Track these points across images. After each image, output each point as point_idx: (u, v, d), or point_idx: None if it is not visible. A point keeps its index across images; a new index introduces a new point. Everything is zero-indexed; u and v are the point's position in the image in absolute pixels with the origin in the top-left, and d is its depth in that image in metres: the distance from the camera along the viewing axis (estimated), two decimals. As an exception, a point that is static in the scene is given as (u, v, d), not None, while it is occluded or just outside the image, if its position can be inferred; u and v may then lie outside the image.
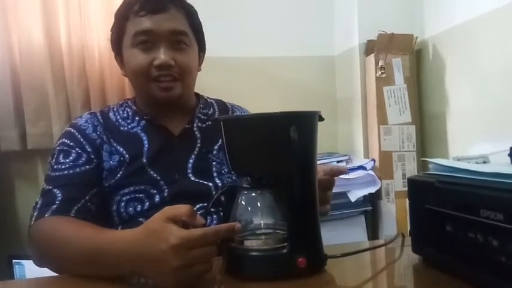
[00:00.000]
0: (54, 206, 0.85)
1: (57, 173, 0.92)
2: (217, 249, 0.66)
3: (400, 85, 2.01)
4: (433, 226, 0.69)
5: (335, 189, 0.94)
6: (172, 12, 0.98)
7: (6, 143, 1.84)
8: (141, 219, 0.91)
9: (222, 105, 1.16)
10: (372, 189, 1.94)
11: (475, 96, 1.76)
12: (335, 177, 0.91)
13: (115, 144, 0.99)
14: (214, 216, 0.94)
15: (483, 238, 0.59)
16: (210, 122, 1.07)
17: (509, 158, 0.73)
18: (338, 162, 2.04)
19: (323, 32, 2.32)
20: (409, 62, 2.02)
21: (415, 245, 0.75)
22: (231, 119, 0.88)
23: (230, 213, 0.74)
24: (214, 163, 1.02)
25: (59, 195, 0.87)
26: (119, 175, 0.95)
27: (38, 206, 0.87)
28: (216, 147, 1.03)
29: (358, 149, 2.15)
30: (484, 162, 0.84)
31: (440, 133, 1.98)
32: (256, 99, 1.75)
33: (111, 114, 1.05)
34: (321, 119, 0.73)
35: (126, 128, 1.02)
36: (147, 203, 0.94)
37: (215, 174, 1.01)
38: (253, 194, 0.74)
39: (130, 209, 0.94)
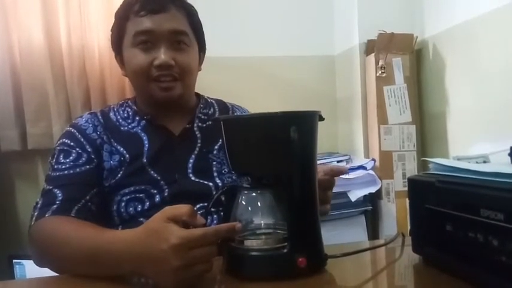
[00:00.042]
0: (55, 206, 0.85)
1: (57, 173, 0.92)
2: (218, 249, 0.66)
3: (400, 85, 2.01)
4: (433, 226, 0.69)
5: (335, 189, 0.94)
6: (173, 12, 0.98)
7: (7, 143, 1.84)
8: (141, 219, 0.91)
9: (222, 105, 1.16)
10: (372, 189, 1.94)
11: (475, 96, 1.76)
12: (335, 177, 0.91)
13: (115, 144, 0.99)
14: (215, 216, 0.94)
15: (483, 238, 0.59)
16: (210, 122, 1.07)
17: (509, 158, 0.73)
18: (338, 162, 2.04)
19: (323, 31, 2.32)
20: (409, 62, 2.02)
21: (415, 245, 0.75)
22: (231, 118, 0.88)
23: (230, 213, 0.74)
24: (214, 163, 1.02)
25: (60, 195, 0.88)
26: (119, 175, 0.95)
27: (39, 206, 0.88)
28: (216, 147, 1.03)
29: (358, 148, 2.15)
30: (484, 161, 0.84)
31: (440, 133, 1.98)
32: (256, 99, 1.75)
33: (111, 114, 1.05)
34: (321, 118, 0.73)
35: (126, 128, 1.02)
36: (148, 203, 0.94)
37: (215, 174, 1.01)
38: (254, 194, 0.74)
39: (131, 209, 0.94)
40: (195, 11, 1.05)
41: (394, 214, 1.98)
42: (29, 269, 1.72)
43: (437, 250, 0.69)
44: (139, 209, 0.94)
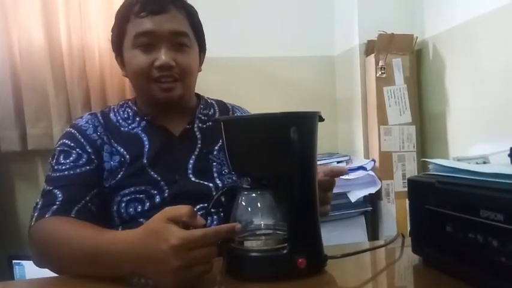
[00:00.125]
0: (55, 207, 0.85)
1: (57, 174, 0.92)
2: (218, 250, 0.66)
3: (400, 85, 2.01)
4: (433, 226, 0.69)
5: (335, 190, 0.94)
6: (173, 13, 0.98)
7: (7, 143, 1.84)
8: (141, 219, 0.91)
9: (223, 106, 1.16)
10: (372, 190, 1.94)
11: (475, 96, 1.76)
12: (335, 178, 0.91)
13: (115, 144, 0.99)
14: (215, 216, 0.94)
15: (483, 238, 0.59)
16: (210, 123, 1.07)
17: (509, 158, 0.73)
18: (338, 162, 2.04)
19: (323, 32, 2.32)
20: (409, 62, 2.02)
21: (415, 246, 0.75)
22: (231, 119, 0.88)
23: (230, 213, 0.74)
24: (214, 164, 1.02)
25: (60, 195, 0.88)
26: (119, 176, 0.95)
27: (39, 206, 0.88)
28: (216, 148, 1.03)
29: (358, 149, 2.15)
30: (484, 162, 0.84)
31: (440, 133, 1.98)
32: (256, 99, 1.75)
33: (111, 114, 1.05)
34: (321, 119, 0.73)
35: (126, 129, 1.02)
36: (148, 204, 0.94)
37: (215, 174, 1.01)
38: (254, 195, 0.74)
39: (131, 209, 0.94)
40: (195, 11, 1.05)
41: (394, 215, 1.98)
42: (29, 269, 1.72)
43: (437, 251, 0.69)
44: (139, 210, 0.94)
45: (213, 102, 1.15)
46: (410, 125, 2.02)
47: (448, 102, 1.92)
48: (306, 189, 0.71)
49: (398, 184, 1.99)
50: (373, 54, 2.00)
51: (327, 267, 0.72)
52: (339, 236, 1.86)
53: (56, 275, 0.80)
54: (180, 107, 1.04)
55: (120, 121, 1.04)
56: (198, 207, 0.93)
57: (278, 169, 0.70)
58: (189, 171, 1.00)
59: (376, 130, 2.00)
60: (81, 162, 0.94)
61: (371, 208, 2.00)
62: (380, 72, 1.96)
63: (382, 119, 1.99)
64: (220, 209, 0.86)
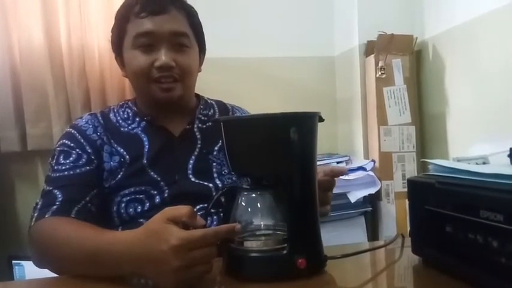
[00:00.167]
0: (55, 207, 0.85)
1: (57, 174, 0.92)
2: (218, 250, 0.66)
3: (400, 86, 2.01)
4: (433, 227, 0.69)
5: (335, 190, 0.94)
6: (173, 13, 0.98)
7: (6, 143, 1.84)
8: (141, 220, 0.91)
9: (222, 106, 1.16)
10: (372, 190, 1.94)
11: (475, 97, 1.76)
12: (335, 178, 0.91)
13: (115, 145, 0.99)
14: (215, 217, 0.94)
15: (483, 239, 0.59)
16: (210, 123, 1.07)
17: (508, 159, 0.73)
18: (338, 163, 2.04)
19: (323, 32, 2.32)
20: (409, 63, 2.02)
21: (415, 246, 0.75)
22: (231, 119, 0.88)
23: (230, 214, 0.74)
24: (214, 164, 1.02)
25: (59, 196, 0.88)
26: (119, 176, 0.95)
27: (38, 206, 0.88)
28: (216, 148, 1.03)
29: (358, 149, 2.15)
30: (484, 163, 0.84)
31: (440, 134, 1.98)
32: (256, 100, 1.75)
33: (111, 115, 1.05)
34: (321, 119, 0.73)
35: (126, 129, 1.02)
36: (148, 204, 0.94)
37: (215, 175, 1.01)
38: (253, 195, 0.74)
39: (131, 209, 0.94)
40: (195, 12, 1.05)
41: (394, 215, 1.98)
42: (29, 270, 1.72)
43: (437, 251, 0.69)
44: (139, 210, 0.94)
45: (213, 102, 1.15)
46: (410, 125, 2.02)
47: (448, 102, 1.92)
48: (306, 189, 0.71)
49: (398, 184, 1.99)
50: (373, 55, 2.00)
51: (327, 267, 0.72)
52: (338, 236, 1.86)
53: (55, 275, 0.80)
54: (180, 107, 1.04)
55: (120, 121, 1.04)
56: (198, 207, 0.93)
57: (278, 169, 0.70)
58: (189, 172, 1.00)
59: (376, 130, 2.00)
60: (81, 162, 0.94)
61: (371, 208, 2.00)
62: (380, 73, 1.96)
63: (382, 120, 1.99)
64: (220, 210, 0.86)
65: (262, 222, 0.74)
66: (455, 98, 1.88)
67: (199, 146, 1.03)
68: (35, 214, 0.86)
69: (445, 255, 0.67)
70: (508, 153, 0.74)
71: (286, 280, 0.67)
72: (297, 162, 0.69)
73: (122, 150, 0.98)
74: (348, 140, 2.24)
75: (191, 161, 1.01)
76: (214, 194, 0.88)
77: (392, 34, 1.99)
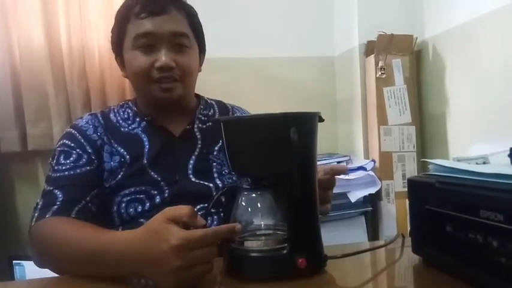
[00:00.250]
0: (55, 207, 0.85)
1: (57, 174, 0.92)
2: (218, 250, 0.66)
3: (400, 86, 2.01)
4: (433, 227, 0.69)
5: (335, 190, 0.95)
6: (173, 13, 0.98)
7: (7, 143, 1.84)
8: (141, 220, 0.91)
9: (223, 106, 1.16)
10: (372, 190, 1.94)
11: (475, 97, 1.76)
12: (336, 177, 0.92)
13: (116, 145, 0.99)
14: (215, 217, 0.94)
15: (483, 239, 0.59)
16: (210, 123, 1.07)
17: (509, 159, 0.74)
18: (338, 163, 2.04)
19: (323, 32, 2.32)
20: (409, 63, 2.02)
21: (415, 246, 0.75)
22: (231, 120, 0.88)
23: (230, 214, 0.74)
24: (214, 164, 1.02)
25: (60, 196, 0.88)
26: (119, 176, 0.95)
27: (39, 206, 0.88)
28: (216, 148, 1.04)
29: (358, 149, 2.15)
30: (484, 162, 0.84)
31: (440, 133, 1.98)
32: (256, 100, 1.75)
33: (111, 115, 1.05)
34: (321, 119, 0.73)
35: (126, 129, 1.02)
36: (148, 204, 0.94)
37: (216, 175, 1.01)
38: (254, 195, 0.74)
39: (131, 209, 0.94)
40: (195, 12, 1.05)
41: (394, 215, 1.98)
42: (29, 270, 1.72)
43: (437, 251, 0.69)
44: (139, 210, 0.94)
45: (213, 102, 1.15)
46: (410, 125, 2.02)
47: (448, 102, 1.92)
48: (306, 189, 0.71)
49: (398, 184, 1.99)
50: (373, 55, 2.00)
51: (327, 267, 0.72)
52: (339, 236, 1.87)
53: (56, 275, 0.80)
54: (180, 107, 1.04)
55: (120, 121, 1.04)
56: (198, 207, 0.93)
57: (278, 169, 0.70)
58: (189, 172, 1.00)
59: (376, 130, 2.00)
60: (81, 162, 0.94)
61: (371, 208, 2.00)
62: (380, 73, 1.96)
63: (382, 119, 1.99)
64: (221, 209, 0.86)
65: (262, 222, 0.74)
66: (456, 97, 1.88)
67: (199, 146, 1.03)
68: (36, 214, 0.86)
69: (445, 255, 0.67)
70: (508, 153, 0.74)
71: (286, 280, 0.67)
72: (297, 162, 0.70)
73: (122, 150, 0.98)
74: (348, 140, 2.25)
75: (191, 161, 1.01)
76: (214, 193, 0.88)
77: (392, 34, 1.99)
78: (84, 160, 0.95)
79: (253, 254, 0.70)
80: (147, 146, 0.99)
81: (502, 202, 0.54)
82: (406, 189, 0.79)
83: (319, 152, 0.75)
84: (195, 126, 1.06)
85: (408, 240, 0.82)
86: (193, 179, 0.99)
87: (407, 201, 0.77)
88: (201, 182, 0.99)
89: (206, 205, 0.90)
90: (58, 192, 0.88)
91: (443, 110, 1.94)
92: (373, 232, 2.05)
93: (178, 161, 1.00)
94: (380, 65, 1.96)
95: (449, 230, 0.66)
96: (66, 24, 1.86)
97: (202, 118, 1.08)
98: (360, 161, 2.07)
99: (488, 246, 0.58)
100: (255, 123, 0.72)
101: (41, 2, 1.82)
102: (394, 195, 1.99)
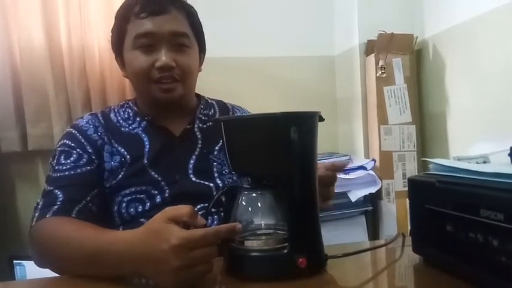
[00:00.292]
0: (56, 207, 0.86)
1: (58, 174, 0.92)
2: (218, 250, 0.66)
3: (400, 85, 2.01)
4: (434, 226, 0.69)
5: (335, 190, 0.95)
6: (173, 13, 0.98)
7: (7, 144, 1.84)
8: (142, 219, 0.91)
9: (223, 106, 1.16)
10: (373, 189, 1.94)
11: (475, 96, 1.76)
12: (337, 173, 0.92)
13: (116, 145, 0.99)
14: (215, 216, 0.94)
15: (483, 238, 0.59)
16: (210, 123, 1.07)
17: (509, 158, 0.73)
18: (338, 162, 2.04)
19: (323, 32, 2.32)
20: (409, 62, 2.02)
21: (415, 245, 0.75)
22: (231, 119, 0.88)
23: (231, 213, 0.74)
24: (215, 163, 1.02)
25: (60, 196, 0.88)
26: (120, 176, 0.95)
27: (39, 206, 0.88)
28: (216, 148, 1.04)
29: (358, 149, 2.15)
30: (484, 162, 0.84)
31: (440, 133, 1.98)
32: (256, 99, 1.75)
33: (112, 115, 1.05)
34: (321, 119, 0.73)
35: (127, 129, 1.02)
36: (148, 204, 0.94)
37: (216, 174, 1.01)
38: (254, 195, 0.74)
39: (132, 209, 0.94)
40: (195, 11, 1.05)
41: (395, 214, 1.98)
42: (30, 269, 1.72)
43: (438, 250, 0.69)
44: (140, 210, 0.94)
45: (213, 102, 1.15)
46: (410, 124, 2.02)
47: (448, 101, 1.92)
48: (306, 189, 0.71)
49: (398, 184, 1.99)
50: (373, 54, 2.00)
51: (327, 267, 0.72)
52: (339, 235, 1.87)
53: (56, 275, 0.80)
54: (181, 107, 1.04)
55: (121, 121, 1.04)
56: (198, 207, 0.93)
57: (278, 169, 0.70)
58: (190, 171, 1.00)
59: (376, 130, 2.00)
60: (81, 162, 0.94)
61: (371, 208, 2.00)
62: (380, 72, 1.96)
63: (382, 119, 1.99)
64: (221, 209, 0.86)
65: (262, 222, 0.74)
66: (456, 97, 1.88)
67: (199, 145, 1.03)
68: (36, 214, 0.86)
69: (445, 254, 0.67)
70: (509, 152, 0.74)
71: (286, 279, 0.67)
72: (297, 161, 0.70)
73: (122, 150, 0.98)
74: (349, 139, 2.25)
75: (192, 161, 1.01)
76: (214, 193, 0.88)
77: (393, 33, 1.98)
78: (84, 160, 0.95)
79: (254, 254, 0.70)
80: (148, 146, 0.99)
81: (502, 201, 0.54)
82: (406, 189, 0.79)
83: (320, 152, 0.75)
84: (196, 126, 1.06)
85: (408, 240, 0.82)
86: (193, 179, 0.99)
87: (407, 201, 0.77)
88: (202, 181, 0.99)
89: (206, 205, 0.90)
90: (58, 192, 0.88)
91: (444, 109, 1.94)
92: (374, 231, 2.05)
93: (178, 161, 1.00)
94: (380, 64, 1.96)
95: (449, 230, 0.66)
96: (66, 24, 1.86)
97: (203, 118, 1.08)
98: (360, 160, 2.07)
99: (488, 245, 0.58)
100: (255, 122, 0.72)
101: (41, 2, 1.82)
102: (394, 194, 1.99)
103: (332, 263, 0.72)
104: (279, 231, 0.72)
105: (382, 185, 1.96)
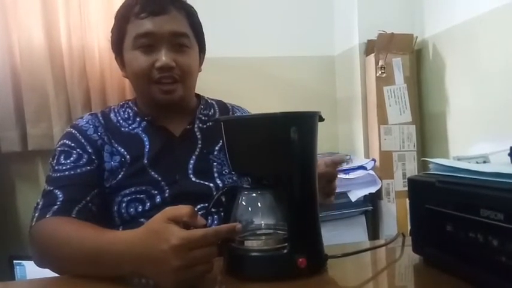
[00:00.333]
0: (55, 207, 0.85)
1: (58, 174, 0.92)
2: (218, 250, 0.66)
3: (400, 85, 2.01)
4: (434, 226, 0.69)
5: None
6: (173, 13, 0.98)
7: (7, 144, 1.84)
8: (142, 219, 0.91)
9: (223, 106, 1.16)
10: (372, 189, 1.94)
11: (475, 96, 1.76)
12: (337, 168, 0.92)
13: (116, 145, 0.99)
14: (215, 216, 0.94)
15: (483, 238, 0.59)
16: (210, 123, 1.07)
17: (509, 158, 0.73)
18: (338, 162, 2.04)
19: (323, 32, 2.32)
20: (409, 62, 2.02)
21: (415, 245, 0.75)
22: (231, 119, 0.88)
23: (231, 213, 0.74)
24: (215, 164, 1.02)
25: (60, 196, 0.88)
26: (120, 176, 0.95)
27: (39, 206, 0.88)
28: (216, 148, 1.04)
29: (358, 148, 2.15)
30: (484, 162, 0.84)
31: (440, 133, 1.98)
32: (256, 99, 1.76)
33: (112, 115, 1.05)
34: (321, 119, 0.73)
35: (127, 129, 1.02)
36: (148, 204, 0.94)
37: (216, 174, 1.01)
38: (254, 195, 0.74)
39: (132, 209, 0.94)
40: (195, 12, 1.05)
41: (395, 214, 1.99)
42: (30, 269, 1.72)
43: (438, 250, 0.69)
44: (140, 210, 0.94)
45: (213, 102, 1.15)
46: (410, 124, 2.02)
47: (448, 101, 1.92)
48: (306, 189, 0.71)
49: (398, 183, 2.00)
50: (373, 54, 2.00)
51: (327, 266, 0.72)
52: (339, 235, 1.87)
53: (56, 275, 0.80)
54: (181, 107, 1.04)
55: (121, 121, 1.04)
56: (198, 207, 0.93)
57: (278, 169, 0.70)
58: (190, 171, 1.00)
59: (376, 129, 2.00)
60: (81, 162, 0.94)
61: (371, 207, 2.01)
62: (380, 72, 1.96)
63: (382, 119, 1.99)
64: (221, 209, 0.86)
65: (262, 222, 0.74)
66: (456, 96, 1.88)
67: (199, 145, 1.03)
68: (36, 214, 0.86)
69: (445, 254, 0.67)
70: (509, 152, 0.74)
71: (286, 279, 0.67)
72: (297, 161, 0.70)
73: (122, 150, 0.98)
74: (349, 139, 2.25)
75: (192, 161, 1.01)
76: (214, 193, 0.88)
77: (393, 33, 1.99)
78: (84, 160, 0.95)
79: (254, 254, 0.70)
80: (148, 146, 0.99)
81: (502, 201, 0.54)
82: (406, 189, 0.79)
83: (320, 152, 0.75)
84: (196, 126, 1.06)
85: (408, 240, 0.82)
86: (193, 179, 0.99)
87: (407, 201, 0.77)
88: (202, 181, 0.99)
89: (206, 205, 0.90)
90: (58, 192, 0.88)
91: (444, 109, 1.94)
92: (374, 231, 2.05)
93: (178, 161, 1.00)
94: (380, 64, 1.96)
95: (449, 229, 0.66)
96: (66, 24, 1.86)
97: (203, 118, 1.08)
98: (360, 160, 2.07)
99: (488, 245, 0.58)
100: (255, 123, 0.72)
101: (41, 2, 1.82)
102: (394, 194, 1.99)
103: (332, 263, 0.72)
104: (279, 231, 0.72)
105: (382, 185, 1.96)
